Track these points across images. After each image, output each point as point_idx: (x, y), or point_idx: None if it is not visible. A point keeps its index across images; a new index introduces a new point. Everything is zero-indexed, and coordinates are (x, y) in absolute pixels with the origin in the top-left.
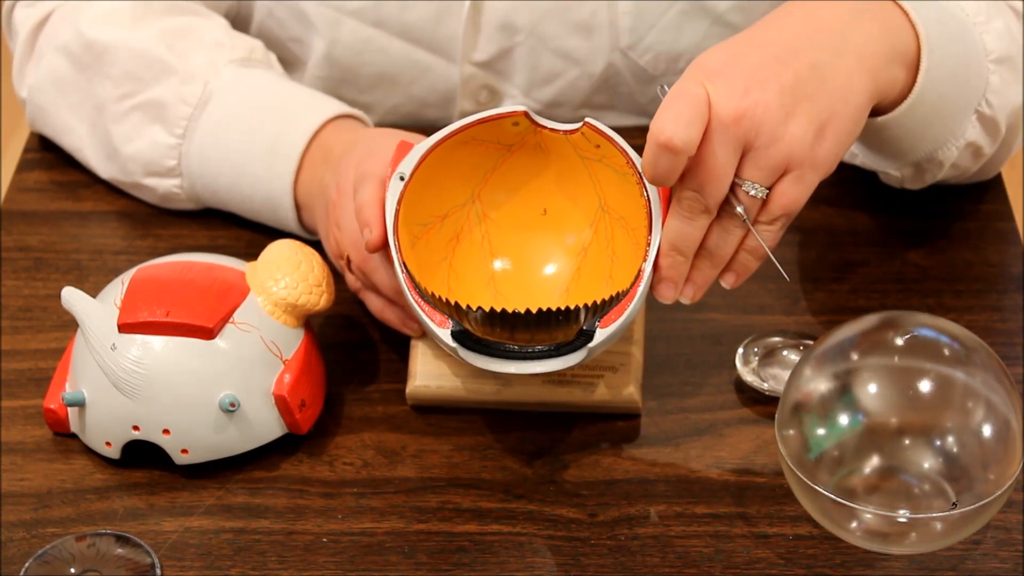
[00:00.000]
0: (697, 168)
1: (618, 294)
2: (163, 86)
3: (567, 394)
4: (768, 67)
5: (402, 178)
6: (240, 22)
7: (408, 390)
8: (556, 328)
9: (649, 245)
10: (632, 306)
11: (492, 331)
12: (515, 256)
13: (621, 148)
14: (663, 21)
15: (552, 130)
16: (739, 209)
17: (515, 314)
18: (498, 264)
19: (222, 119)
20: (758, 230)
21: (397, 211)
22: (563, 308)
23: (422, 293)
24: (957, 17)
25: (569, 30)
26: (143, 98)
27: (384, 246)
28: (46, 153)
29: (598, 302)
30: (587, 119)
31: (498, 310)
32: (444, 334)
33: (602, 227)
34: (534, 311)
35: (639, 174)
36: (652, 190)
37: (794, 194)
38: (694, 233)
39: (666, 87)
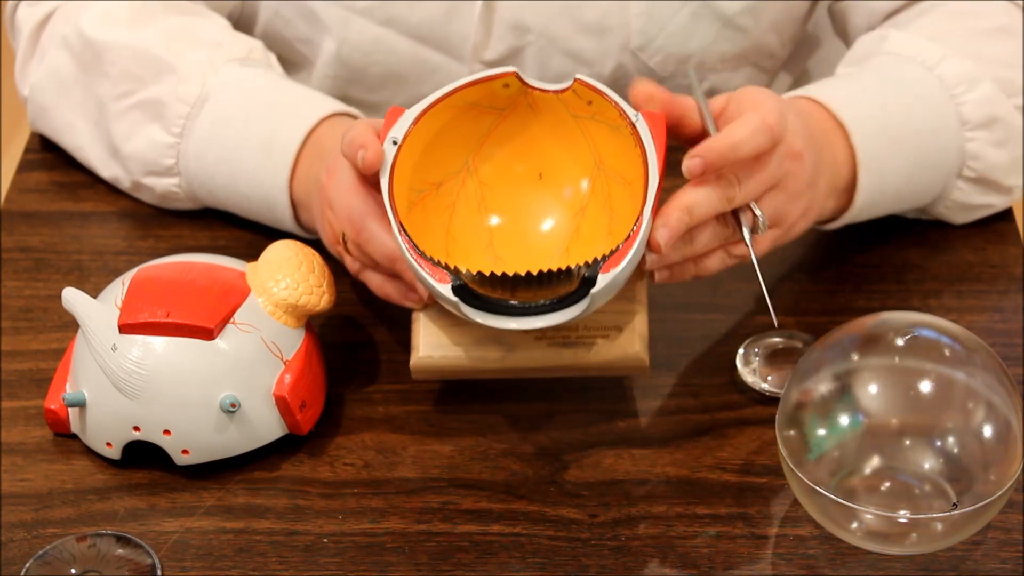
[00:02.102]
0: (753, 165)
1: (618, 247)
2: (161, 85)
3: (572, 356)
4: (805, 140)
5: (395, 142)
6: (244, 22)
7: (412, 362)
8: (558, 286)
9: (647, 191)
10: (633, 251)
11: (493, 292)
12: (513, 220)
13: (613, 101)
14: (674, 23)
15: (542, 90)
16: (745, 229)
17: (515, 276)
18: (496, 228)
19: (219, 118)
20: (729, 251)
21: (391, 175)
22: (563, 268)
23: (421, 253)
24: (919, 103)
25: (580, 31)
26: (142, 97)
27: (379, 165)
28: (47, 154)
29: (599, 258)
30: (577, 75)
31: (498, 273)
32: (445, 289)
33: (599, 184)
34: (535, 272)
35: (632, 125)
36: (647, 139)
37: (761, 246)
38: (712, 205)
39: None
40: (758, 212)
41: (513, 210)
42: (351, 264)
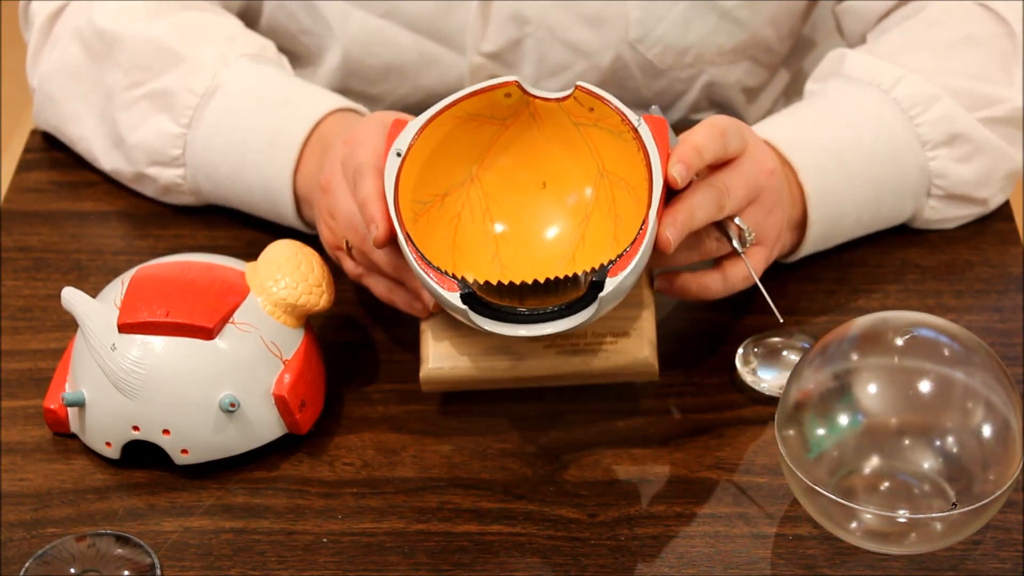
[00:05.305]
0: (735, 175)
1: (625, 251)
2: (172, 75)
3: (581, 363)
4: (773, 163)
5: (399, 154)
6: (250, 15)
7: (422, 374)
8: (566, 293)
9: (651, 194)
10: (639, 254)
11: (500, 301)
12: (518, 229)
13: (614, 106)
14: (672, 15)
15: (544, 99)
16: (734, 241)
17: (523, 285)
18: (502, 237)
19: (227, 110)
20: (727, 275)
21: (396, 187)
22: (570, 275)
23: (428, 263)
24: (874, 131)
25: (579, 22)
26: (152, 87)
27: (391, 241)
28: (46, 153)
29: (604, 264)
30: (578, 83)
31: (505, 282)
32: (453, 298)
33: (603, 191)
34: (541, 280)
35: (634, 130)
36: (650, 143)
37: (756, 267)
38: (709, 210)
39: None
40: (743, 225)
41: (518, 219)
42: (352, 268)
